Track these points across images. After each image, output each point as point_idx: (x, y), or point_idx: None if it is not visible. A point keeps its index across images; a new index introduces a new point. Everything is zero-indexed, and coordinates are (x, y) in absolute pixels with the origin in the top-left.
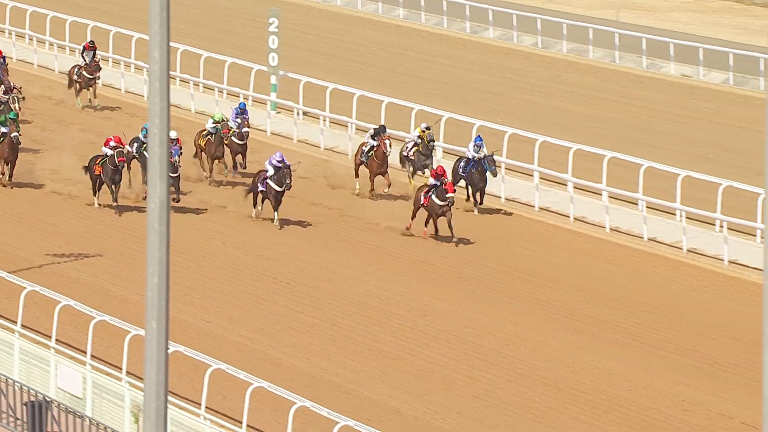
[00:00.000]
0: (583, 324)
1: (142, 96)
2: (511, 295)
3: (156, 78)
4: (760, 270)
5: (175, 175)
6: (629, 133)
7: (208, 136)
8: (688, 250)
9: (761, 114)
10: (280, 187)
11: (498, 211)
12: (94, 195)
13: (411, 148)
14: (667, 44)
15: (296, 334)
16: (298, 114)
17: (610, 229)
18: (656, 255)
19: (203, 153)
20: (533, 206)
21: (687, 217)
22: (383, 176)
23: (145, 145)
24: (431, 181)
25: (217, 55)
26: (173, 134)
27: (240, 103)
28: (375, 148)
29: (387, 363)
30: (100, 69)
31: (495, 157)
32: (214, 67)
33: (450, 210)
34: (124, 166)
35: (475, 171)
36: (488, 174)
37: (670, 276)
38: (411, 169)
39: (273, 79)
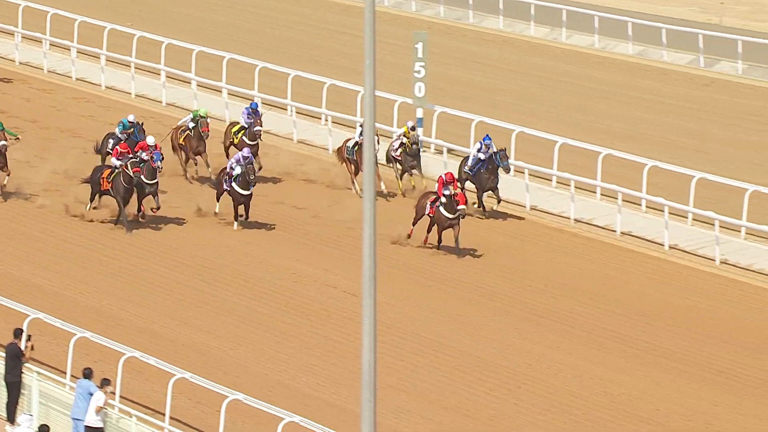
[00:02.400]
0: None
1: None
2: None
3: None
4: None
5: (154, 181)
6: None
7: (187, 132)
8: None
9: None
10: (247, 190)
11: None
12: (91, 201)
13: (398, 148)
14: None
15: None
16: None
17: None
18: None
19: (182, 151)
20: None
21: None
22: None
23: (122, 142)
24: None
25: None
26: (151, 140)
27: (252, 103)
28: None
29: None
30: None
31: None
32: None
33: (459, 224)
34: (139, 177)
35: (484, 170)
36: (500, 171)
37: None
38: (399, 168)
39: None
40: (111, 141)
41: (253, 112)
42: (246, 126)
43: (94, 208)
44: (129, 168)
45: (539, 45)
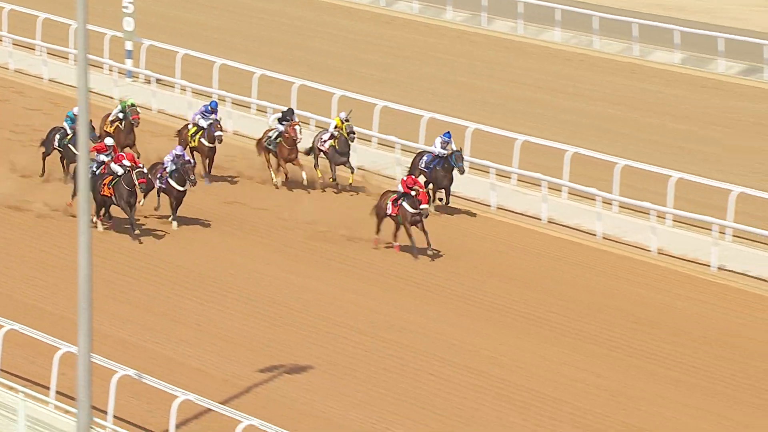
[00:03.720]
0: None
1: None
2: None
3: None
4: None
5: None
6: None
7: (116, 123)
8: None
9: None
10: (183, 186)
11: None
12: (98, 217)
13: (326, 141)
14: None
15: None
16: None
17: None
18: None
19: None
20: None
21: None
22: (294, 163)
23: (69, 137)
24: (400, 188)
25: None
26: (109, 141)
27: (211, 102)
28: (284, 135)
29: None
30: None
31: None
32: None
33: (422, 221)
34: (144, 189)
35: (440, 168)
36: (455, 171)
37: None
38: (317, 157)
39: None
40: (57, 135)
41: (212, 112)
42: (204, 127)
43: (108, 221)
44: (135, 178)
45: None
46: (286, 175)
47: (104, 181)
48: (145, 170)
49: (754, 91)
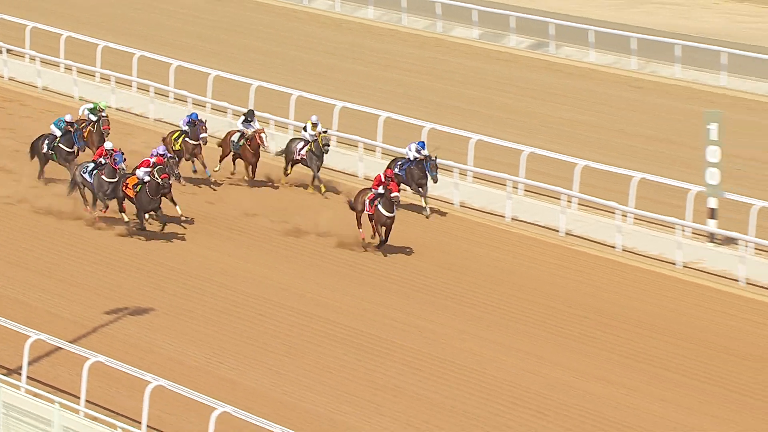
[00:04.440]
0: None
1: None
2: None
3: None
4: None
5: (115, 180)
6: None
7: (89, 127)
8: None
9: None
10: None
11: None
12: (122, 212)
13: (302, 148)
14: None
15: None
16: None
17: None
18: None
19: (85, 146)
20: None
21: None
22: (252, 167)
23: (57, 139)
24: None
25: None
26: (108, 145)
27: (192, 114)
28: (249, 141)
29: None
30: None
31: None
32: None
33: (392, 224)
34: (168, 183)
35: (415, 167)
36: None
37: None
38: (293, 164)
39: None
40: (46, 141)
41: (193, 125)
42: (186, 131)
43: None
44: (157, 176)
45: None
46: (248, 175)
47: (127, 180)
48: (169, 166)
49: (541, 63)
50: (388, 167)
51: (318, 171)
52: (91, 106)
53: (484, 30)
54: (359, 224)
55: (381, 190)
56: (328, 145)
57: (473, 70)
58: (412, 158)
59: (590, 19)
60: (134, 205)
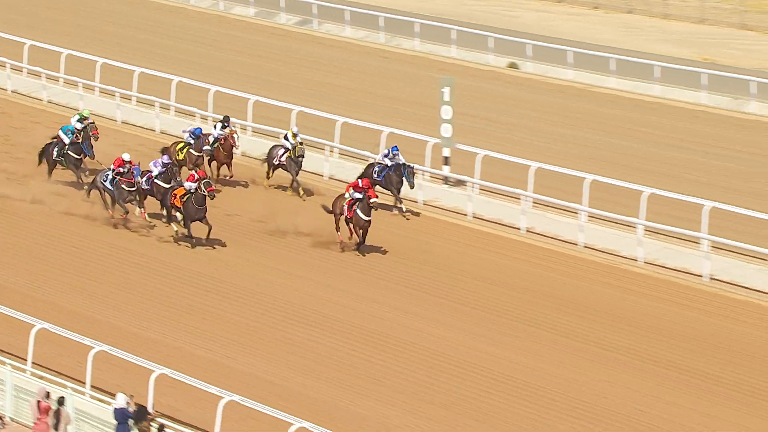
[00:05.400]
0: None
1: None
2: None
3: None
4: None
5: (134, 189)
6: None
7: (75, 134)
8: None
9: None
10: (168, 183)
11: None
12: (171, 221)
13: (282, 155)
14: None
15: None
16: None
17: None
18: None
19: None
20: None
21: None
22: (228, 166)
23: (66, 147)
24: (354, 194)
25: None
26: (126, 156)
27: (196, 129)
28: (222, 141)
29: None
30: None
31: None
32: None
33: (369, 225)
34: (213, 196)
35: (393, 173)
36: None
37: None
38: (273, 168)
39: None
40: (56, 148)
41: (197, 138)
42: (191, 143)
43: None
44: (204, 188)
45: None
46: (217, 175)
47: (176, 192)
48: (206, 179)
49: (306, 37)
50: (364, 176)
51: (296, 176)
52: (85, 114)
53: (259, 9)
54: (337, 227)
55: (359, 195)
56: (302, 156)
57: (250, 41)
58: (385, 162)
59: (346, 0)
60: (181, 215)
